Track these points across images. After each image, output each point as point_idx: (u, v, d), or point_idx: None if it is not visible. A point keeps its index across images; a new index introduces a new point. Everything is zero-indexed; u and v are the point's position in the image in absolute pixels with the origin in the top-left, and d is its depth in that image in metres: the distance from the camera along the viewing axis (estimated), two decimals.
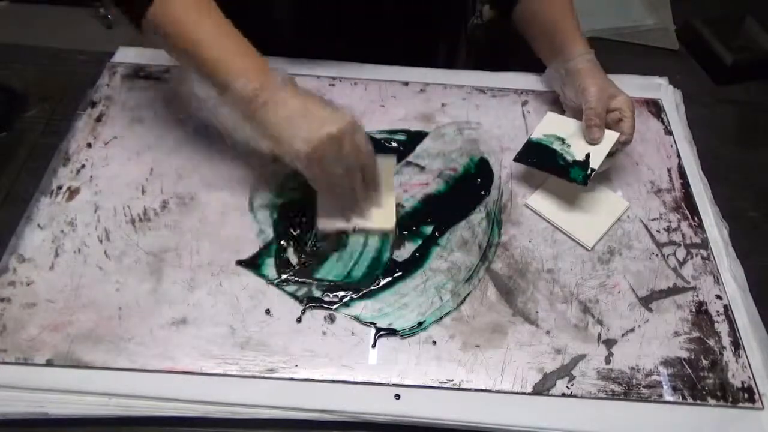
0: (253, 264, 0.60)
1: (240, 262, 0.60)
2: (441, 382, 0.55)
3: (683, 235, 0.67)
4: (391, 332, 0.57)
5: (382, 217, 0.63)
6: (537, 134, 0.70)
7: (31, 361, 0.53)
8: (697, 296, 0.62)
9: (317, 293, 0.59)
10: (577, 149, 0.67)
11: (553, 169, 0.66)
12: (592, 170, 0.65)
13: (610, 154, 0.66)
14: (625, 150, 0.70)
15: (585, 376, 0.56)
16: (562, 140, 0.68)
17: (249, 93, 0.55)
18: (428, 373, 0.55)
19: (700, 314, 0.61)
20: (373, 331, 0.57)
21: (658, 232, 0.67)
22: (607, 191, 0.70)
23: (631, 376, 0.56)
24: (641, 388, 0.55)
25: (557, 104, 0.78)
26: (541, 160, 0.67)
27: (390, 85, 0.79)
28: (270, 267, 0.60)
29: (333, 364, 0.55)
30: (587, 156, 0.66)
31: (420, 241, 0.64)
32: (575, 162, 0.66)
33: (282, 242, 0.62)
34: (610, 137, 0.66)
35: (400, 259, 0.62)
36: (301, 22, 0.78)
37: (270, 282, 0.59)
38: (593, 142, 0.66)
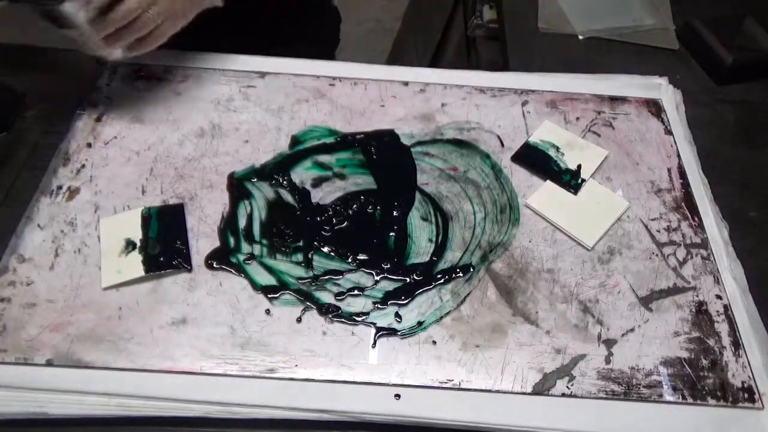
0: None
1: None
2: (441, 382, 0.55)
3: (683, 235, 0.67)
4: (391, 332, 0.57)
5: None
6: (534, 138, 0.74)
7: (31, 361, 0.53)
8: (697, 296, 0.62)
9: (319, 294, 0.59)
10: (570, 158, 0.72)
11: (546, 173, 0.71)
12: (583, 180, 0.70)
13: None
14: (625, 150, 0.70)
15: (585, 376, 0.56)
16: (557, 148, 0.73)
17: None
18: (428, 373, 0.55)
19: (700, 314, 0.61)
20: (373, 331, 0.57)
21: (658, 231, 0.67)
22: (607, 191, 0.70)
23: (631, 376, 0.56)
24: (641, 388, 0.55)
25: (556, 105, 0.78)
26: (537, 163, 0.72)
27: (390, 85, 0.79)
28: (262, 273, 0.61)
29: (333, 364, 0.55)
30: (578, 166, 0.71)
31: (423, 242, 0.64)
32: (568, 170, 0.70)
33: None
34: (599, 154, 0.73)
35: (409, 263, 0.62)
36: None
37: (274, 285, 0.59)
38: None
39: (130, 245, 0.60)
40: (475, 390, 0.54)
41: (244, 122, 0.73)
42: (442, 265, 0.62)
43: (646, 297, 0.61)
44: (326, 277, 0.60)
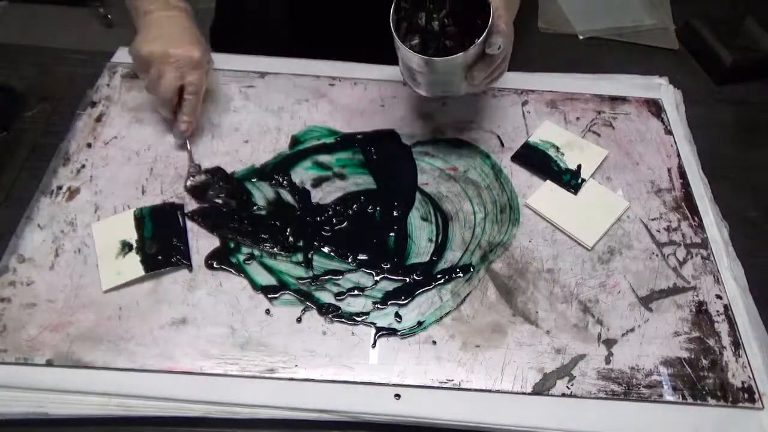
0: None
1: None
2: (441, 382, 0.55)
3: (683, 235, 0.67)
4: (391, 332, 0.57)
5: None
6: (534, 138, 0.74)
7: (31, 361, 0.53)
8: (697, 296, 0.62)
9: (318, 293, 0.59)
10: (570, 158, 0.72)
11: (546, 173, 0.71)
12: (583, 180, 0.70)
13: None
14: (625, 150, 0.70)
15: (585, 376, 0.56)
16: (557, 148, 0.73)
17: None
18: (428, 373, 0.55)
19: (700, 314, 0.61)
20: (373, 331, 0.57)
21: (658, 231, 0.67)
22: (607, 191, 0.70)
23: (631, 376, 0.56)
24: (641, 388, 0.55)
25: (556, 105, 0.78)
26: (537, 163, 0.72)
27: (390, 85, 0.79)
28: (262, 273, 0.61)
29: (333, 364, 0.55)
30: (579, 166, 0.71)
31: (423, 242, 0.64)
32: (568, 170, 0.71)
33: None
34: (599, 153, 0.73)
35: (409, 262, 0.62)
36: (297, 22, 0.78)
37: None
38: None
39: (126, 247, 0.60)
40: (475, 390, 0.54)
41: (244, 122, 0.73)
42: (442, 265, 0.62)
43: (646, 297, 0.61)
44: (326, 277, 0.60)
